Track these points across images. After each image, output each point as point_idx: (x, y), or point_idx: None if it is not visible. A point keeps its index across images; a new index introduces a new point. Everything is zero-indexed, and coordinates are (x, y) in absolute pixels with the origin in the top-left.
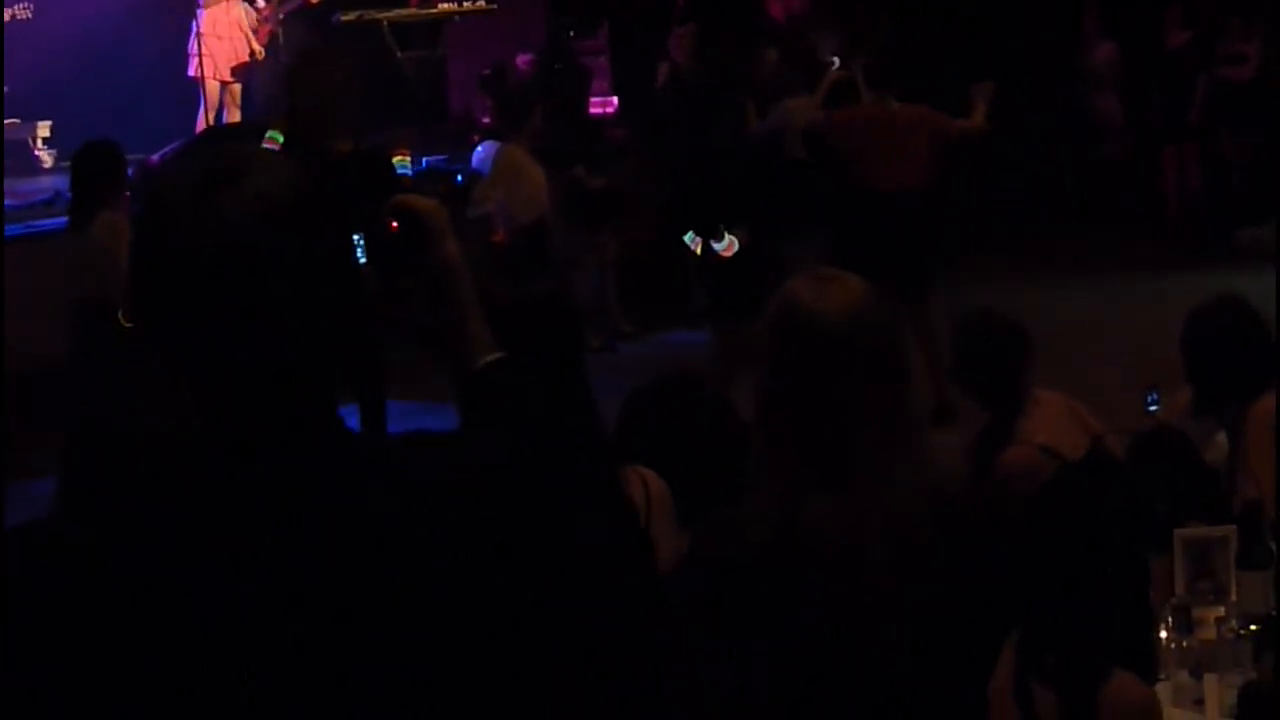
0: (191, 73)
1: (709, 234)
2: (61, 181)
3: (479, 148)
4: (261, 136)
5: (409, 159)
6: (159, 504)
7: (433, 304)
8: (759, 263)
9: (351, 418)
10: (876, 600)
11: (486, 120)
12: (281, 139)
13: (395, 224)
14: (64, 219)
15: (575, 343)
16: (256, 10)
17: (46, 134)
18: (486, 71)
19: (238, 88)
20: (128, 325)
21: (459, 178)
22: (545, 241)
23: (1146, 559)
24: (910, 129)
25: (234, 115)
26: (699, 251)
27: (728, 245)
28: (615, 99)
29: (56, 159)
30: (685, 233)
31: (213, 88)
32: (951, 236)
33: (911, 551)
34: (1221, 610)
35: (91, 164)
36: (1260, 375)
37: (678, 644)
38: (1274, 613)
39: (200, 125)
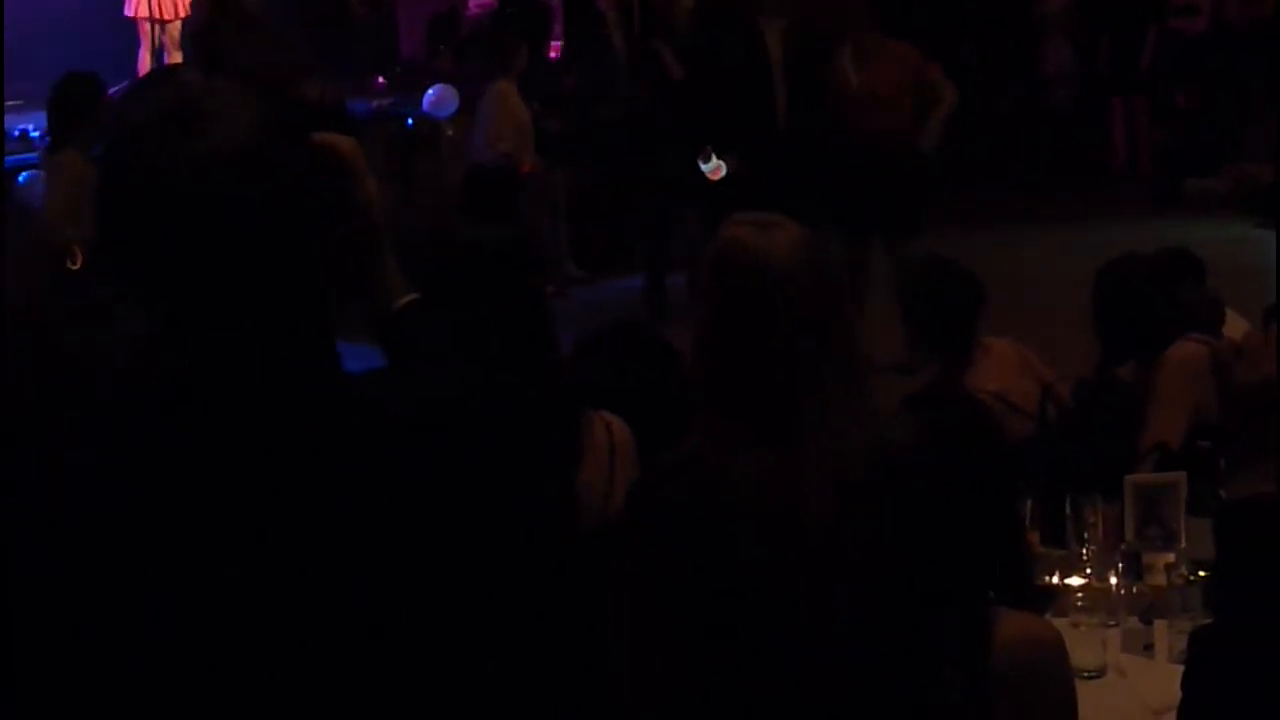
0: (129, 12)
1: (698, 155)
2: None
3: (430, 90)
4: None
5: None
6: (117, 440)
7: (349, 245)
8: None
9: None
10: (817, 552)
11: (439, 64)
12: None
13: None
14: None
15: (539, 284)
16: None
17: None
18: (439, 14)
19: (176, 28)
20: (73, 268)
21: (409, 121)
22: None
23: (1016, 503)
24: (904, 71)
25: (174, 56)
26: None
27: (715, 169)
28: (559, 44)
29: None
30: (677, 153)
31: (148, 28)
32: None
33: (854, 503)
34: (1171, 556)
35: (66, 96)
36: (1165, 329)
37: (617, 589)
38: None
39: (142, 67)
